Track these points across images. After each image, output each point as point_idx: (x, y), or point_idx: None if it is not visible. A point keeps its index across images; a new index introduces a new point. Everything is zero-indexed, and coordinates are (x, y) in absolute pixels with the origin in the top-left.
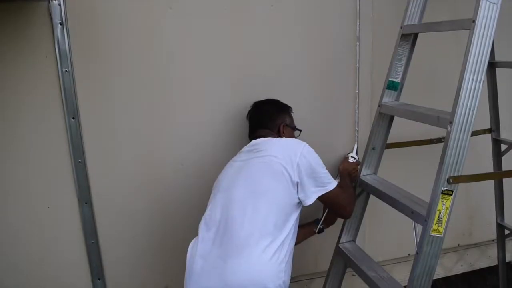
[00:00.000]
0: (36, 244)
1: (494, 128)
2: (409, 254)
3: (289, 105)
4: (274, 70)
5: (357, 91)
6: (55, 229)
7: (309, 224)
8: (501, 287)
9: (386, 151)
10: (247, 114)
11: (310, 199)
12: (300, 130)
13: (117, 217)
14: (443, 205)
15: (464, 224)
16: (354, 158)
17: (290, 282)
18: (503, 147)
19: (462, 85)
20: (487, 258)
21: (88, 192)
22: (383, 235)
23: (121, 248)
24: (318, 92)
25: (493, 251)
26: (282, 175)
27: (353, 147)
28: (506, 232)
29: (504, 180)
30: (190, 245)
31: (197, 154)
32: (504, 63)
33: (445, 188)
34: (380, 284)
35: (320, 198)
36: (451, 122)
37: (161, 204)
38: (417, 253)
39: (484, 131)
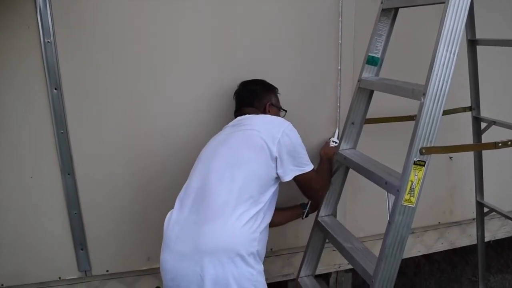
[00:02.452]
0: (18, 214)
1: (475, 106)
2: None
3: (272, 84)
4: (256, 48)
5: (339, 68)
6: (38, 199)
7: (294, 207)
8: (480, 265)
9: (368, 127)
10: (234, 93)
11: (288, 176)
12: (286, 111)
13: (100, 188)
14: (415, 175)
15: (445, 202)
16: (335, 143)
17: (272, 256)
18: (483, 125)
19: (436, 56)
20: (468, 237)
21: (70, 162)
22: (364, 211)
23: (104, 219)
24: (299, 69)
25: (473, 230)
26: (262, 149)
27: (334, 132)
28: (486, 210)
29: (484, 158)
30: (168, 214)
31: (181, 128)
32: (485, 40)
33: (417, 159)
34: (354, 255)
35: (296, 179)
36: (424, 94)
37: (144, 176)
38: (389, 222)
39: (464, 109)
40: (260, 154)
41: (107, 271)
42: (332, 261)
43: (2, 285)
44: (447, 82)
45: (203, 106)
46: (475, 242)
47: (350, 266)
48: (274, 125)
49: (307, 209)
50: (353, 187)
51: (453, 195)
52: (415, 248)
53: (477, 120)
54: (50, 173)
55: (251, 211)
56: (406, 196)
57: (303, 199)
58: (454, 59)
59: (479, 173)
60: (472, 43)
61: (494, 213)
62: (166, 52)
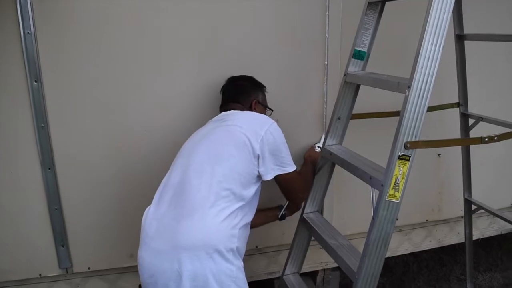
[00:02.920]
0: None
1: (462, 102)
2: None
3: (259, 79)
4: (242, 43)
5: (326, 63)
6: (18, 194)
7: (272, 209)
8: (468, 263)
9: (356, 123)
10: (221, 88)
11: (269, 175)
12: (272, 110)
13: (81, 183)
14: (400, 170)
15: (433, 199)
16: (320, 148)
17: (257, 254)
18: (471, 121)
19: (421, 49)
20: (456, 235)
21: (51, 157)
22: (351, 209)
23: (85, 215)
24: (286, 64)
25: (461, 228)
26: (245, 145)
27: (321, 137)
28: (473, 207)
29: (473, 155)
30: (146, 210)
31: (165, 123)
32: (473, 35)
33: (402, 153)
34: (339, 252)
35: (277, 179)
36: (409, 87)
37: (127, 171)
38: (373, 218)
39: (452, 105)
40: (242, 150)
41: (89, 268)
42: (318, 259)
43: None
44: (432, 75)
45: (187, 101)
46: (463, 240)
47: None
48: (258, 122)
49: (282, 210)
50: (340, 185)
51: (441, 192)
52: (402, 246)
53: (464, 116)
54: (30, 167)
55: (231, 207)
56: (391, 191)
57: (281, 201)
58: (440, 53)
59: (467, 170)
60: (460, 38)
61: (482, 211)
62: (151, 46)
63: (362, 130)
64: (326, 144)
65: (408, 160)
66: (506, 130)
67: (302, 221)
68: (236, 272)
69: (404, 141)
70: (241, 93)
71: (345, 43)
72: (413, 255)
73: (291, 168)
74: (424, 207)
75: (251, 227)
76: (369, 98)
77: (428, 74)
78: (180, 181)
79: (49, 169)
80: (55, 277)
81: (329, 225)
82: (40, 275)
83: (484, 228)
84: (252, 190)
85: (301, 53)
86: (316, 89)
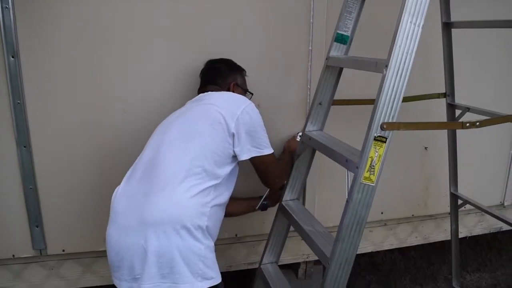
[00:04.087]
0: None
1: (449, 93)
2: None
3: (241, 64)
4: (224, 27)
5: (310, 48)
6: None
7: (253, 198)
8: (454, 261)
9: (341, 111)
10: (201, 71)
11: (244, 155)
12: (252, 94)
13: (57, 163)
14: (376, 152)
15: (419, 194)
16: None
17: (236, 243)
18: (458, 112)
19: (400, 28)
20: (443, 232)
21: (27, 135)
22: (334, 199)
23: (61, 195)
24: (269, 49)
25: (449, 225)
26: (219, 124)
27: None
28: (460, 202)
29: (463, 152)
30: (116, 188)
31: (144, 104)
32: (460, 22)
33: (378, 135)
34: (314, 237)
35: (253, 161)
36: (386, 66)
37: (104, 152)
38: (347, 201)
39: (438, 95)
40: (216, 128)
41: (63, 250)
42: (300, 251)
43: None
44: (411, 55)
45: (167, 84)
46: (450, 237)
47: None
48: (235, 102)
49: (262, 200)
50: (323, 174)
51: (428, 187)
52: (387, 241)
53: (451, 107)
54: (5, 145)
55: (203, 184)
56: (366, 174)
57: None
58: (419, 32)
59: (453, 163)
60: (447, 26)
61: (471, 208)
62: (130, 27)
63: (348, 118)
64: (306, 129)
65: (385, 142)
66: None
67: (281, 208)
68: (205, 251)
69: (381, 122)
70: (219, 75)
71: (330, 28)
72: (401, 253)
73: (268, 150)
74: (410, 201)
75: (230, 215)
76: (355, 85)
77: (407, 53)
78: (152, 158)
79: (25, 147)
80: (29, 258)
81: (307, 213)
82: (13, 255)
83: (472, 225)
84: (226, 169)
85: (285, 39)
86: (299, 76)
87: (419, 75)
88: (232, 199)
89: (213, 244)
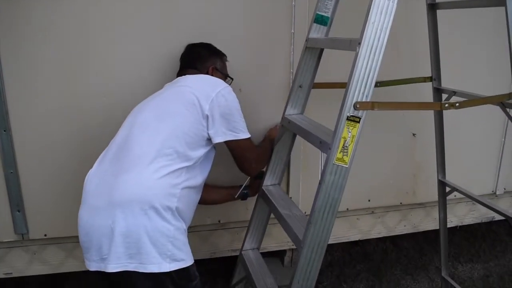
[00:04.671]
0: None
1: (435, 77)
2: (347, 209)
3: (221, 48)
4: (202, 10)
5: (293, 31)
6: None
7: (234, 187)
8: (443, 250)
9: (325, 93)
10: (181, 55)
11: (218, 137)
12: (232, 79)
13: (38, 147)
14: (349, 132)
15: (408, 182)
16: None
17: (220, 229)
18: (444, 96)
19: (373, 3)
20: (433, 220)
21: (6, 119)
22: None
23: (42, 180)
24: (249, 31)
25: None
26: (193, 105)
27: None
28: (448, 189)
29: (450, 137)
30: (90, 170)
31: (123, 89)
32: (445, 3)
33: (351, 114)
34: (289, 221)
35: (229, 145)
36: (359, 43)
37: (84, 136)
38: (320, 183)
39: (424, 79)
40: (190, 110)
41: (45, 235)
42: (285, 238)
43: None
44: (385, 31)
45: (146, 68)
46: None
47: None
48: (210, 84)
49: (242, 189)
50: (308, 160)
51: (416, 175)
52: (375, 229)
53: (438, 91)
54: None
55: (174, 166)
56: (339, 155)
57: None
58: (394, 8)
59: (441, 149)
60: (432, 8)
61: (461, 196)
62: (107, 11)
63: (331, 102)
64: (286, 113)
65: (358, 122)
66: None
67: (262, 194)
68: (174, 233)
69: (354, 101)
70: (197, 59)
71: (313, 10)
72: (393, 243)
73: (244, 135)
74: (398, 189)
75: (210, 203)
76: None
77: (381, 29)
78: (124, 139)
79: (5, 131)
80: (11, 242)
81: (287, 198)
82: None
83: (462, 215)
84: (200, 152)
85: (266, 21)
86: (282, 59)
87: (409, 60)
88: (212, 187)
89: (185, 227)
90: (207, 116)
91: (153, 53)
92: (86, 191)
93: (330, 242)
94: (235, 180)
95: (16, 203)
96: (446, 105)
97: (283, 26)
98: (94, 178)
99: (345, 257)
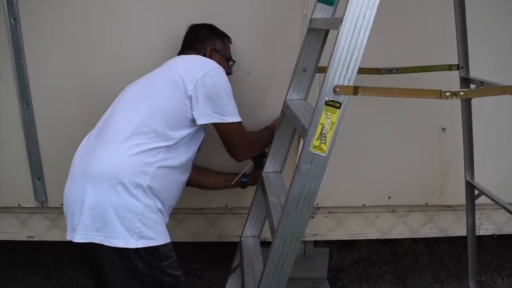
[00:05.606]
0: None
1: (463, 65)
2: (364, 205)
3: (230, 29)
4: None
5: (305, 12)
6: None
7: (232, 174)
8: (470, 258)
9: None
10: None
11: (202, 119)
12: (234, 61)
13: (55, 121)
14: (328, 118)
15: (435, 181)
16: None
17: (227, 213)
18: (472, 87)
19: None
20: (465, 226)
21: (27, 92)
22: (331, 177)
23: (59, 152)
24: (260, 13)
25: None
26: (177, 85)
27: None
28: (476, 192)
29: (480, 133)
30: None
31: (131, 67)
32: None
33: (330, 99)
34: (272, 209)
35: (216, 128)
36: (341, 21)
37: (96, 113)
38: (295, 171)
39: (449, 67)
40: (173, 89)
41: (61, 204)
42: None
43: None
44: (372, 9)
45: (154, 47)
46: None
47: (325, 237)
48: (198, 64)
49: (239, 176)
50: None
51: (445, 174)
52: (396, 229)
53: (466, 81)
54: (9, 103)
55: (150, 144)
56: (316, 142)
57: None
58: None
59: (469, 146)
60: None
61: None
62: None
63: None
64: (288, 98)
65: (339, 108)
66: None
67: (261, 180)
68: (143, 210)
69: (333, 85)
70: (197, 39)
71: None
72: (427, 246)
73: (231, 118)
74: (423, 187)
75: (207, 188)
76: None
77: (367, 7)
78: (109, 114)
79: (26, 104)
80: (32, 209)
81: (282, 187)
82: (19, 205)
83: (501, 223)
84: (182, 132)
85: (278, 1)
86: (293, 42)
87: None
88: (212, 172)
89: (160, 206)
90: (191, 97)
91: (161, 33)
92: (72, 163)
93: (343, 238)
94: (239, 167)
95: (36, 172)
96: (447, 93)
97: (296, 7)
98: (80, 151)
99: (372, 256)
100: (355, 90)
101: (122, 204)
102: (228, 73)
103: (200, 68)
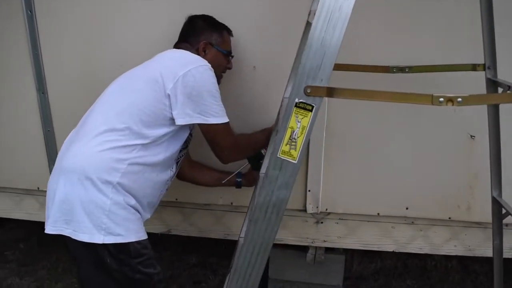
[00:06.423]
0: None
1: (490, 65)
2: (378, 214)
3: (235, 22)
4: None
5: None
6: (18, 120)
7: (226, 173)
8: (496, 284)
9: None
10: None
11: (180, 119)
12: (232, 56)
13: (69, 110)
14: (298, 122)
15: (461, 194)
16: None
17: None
18: (500, 91)
19: None
20: None
21: (44, 81)
22: (344, 185)
23: None
24: (266, 5)
25: (507, 239)
26: (156, 83)
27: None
28: (504, 211)
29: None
30: None
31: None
32: None
33: (301, 100)
34: (249, 211)
35: (201, 128)
36: (315, 14)
37: None
38: (263, 177)
39: (474, 67)
40: (152, 88)
41: None
42: (304, 233)
43: None
44: (349, 0)
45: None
46: (509, 255)
47: (336, 245)
48: (182, 62)
49: (233, 175)
50: (331, 151)
51: (473, 187)
52: (415, 242)
53: (493, 84)
54: (28, 92)
55: (124, 142)
56: (285, 147)
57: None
58: None
59: (496, 157)
60: None
61: None
62: None
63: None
64: (285, 95)
65: (311, 111)
66: None
67: (259, 180)
68: (111, 207)
69: (305, 85)
70: (192, 32)
71: None
72: (462, 263)
73: (214, 119)
74: (447, 200)
75: (203, 185)
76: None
77: None
78: (90, 110)
79: (43, 93)
80: None
81: None
82: (38, 188)
83: None
84: (159, 131)
85: None
86: (300, 36)
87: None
88: (206, 168)
89: (132, 202)
90: (169, 96)
91: (165, 25)
92: (58, 155)
93: (355, 247)
94: (236, 166)
95: (53, 158)
96: (441, 99)
97: (303, 0)
98: (63, 144)
99: (397, 268)
100: (329, 91)
101: (89, 199)
102: (228, 68)
103: (183, 66)
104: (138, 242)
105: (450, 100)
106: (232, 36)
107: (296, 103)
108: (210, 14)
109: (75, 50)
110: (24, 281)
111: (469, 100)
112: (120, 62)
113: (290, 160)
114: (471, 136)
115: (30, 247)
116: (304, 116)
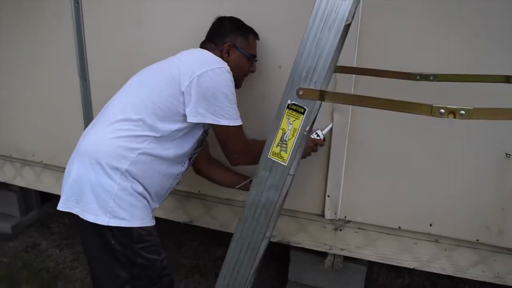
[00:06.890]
0: (44, 115)
1: None
2: (399, 227)
3: (260, 22)
4: None
5: None
6: (63, 103)
7: (242, 176)
8: None
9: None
10: None
11: (192, 117)
12: (256, 59)
13: (108, 95)
14: (289, 124)
15: (491, 215)
16: (319, 136)
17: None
18: None
19: None
20: None
21: (86, 69)
22: (365, 194)
23: None
24: (293, 6)
25: None
26: (173, 80)
27: (327, 125)
28: None
29: None
30: None
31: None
32: None
33: (293, 102)
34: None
35: (213, 128)
36: (311, 14)
37: None
38: (254, 177)
39: (508, 78)
40: (168, 84)
41: None
42: (322, 239)
43: (41, 161)
44: (347, 1)
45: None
46: None
47: (354, 255)
48: (200, 62)
49: (246, 181)
50: (354, 155)
51: (506, 209)
52: (438, 262)
53: None
54: (72, 79)
55: (137, 132)
56: (275, 149)
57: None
58: None
59: None
60: None
61: None
62: None
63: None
64: None
65: (302, 113)
66: None
67: None
68: (118, 191)
69: (297, 86)
70: (218, 33)
71: None
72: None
73: (226, 121)
74: (474, 221)
75: (219, 184)
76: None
77: None
78: (111, 100)
79: (85, 80)
80: None
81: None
82: None
83: None
84: (172, 126)
85: None
86: None
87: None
88: (223, 167)
89: (139, 189)
90: (183, 93)
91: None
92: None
93: (373, 259)
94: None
95: None
96: (442, 110)
97: None
98: (86, 128)
99: (426, 287)
100: (321, 95)
101: (98, 183)
102: (251, 71)
103: (201, 66)
104: (142, 228)
105: (452, 112)
106: (259, 39)
107: (288, 104)
108: (236, 15)
109: (117, 38)
110: (62, 253)
111: (473, 113)
112: (157, 56)
113: (280, 162)
114: (507, 154)
115: (73, 221)
116: (296, 119)
